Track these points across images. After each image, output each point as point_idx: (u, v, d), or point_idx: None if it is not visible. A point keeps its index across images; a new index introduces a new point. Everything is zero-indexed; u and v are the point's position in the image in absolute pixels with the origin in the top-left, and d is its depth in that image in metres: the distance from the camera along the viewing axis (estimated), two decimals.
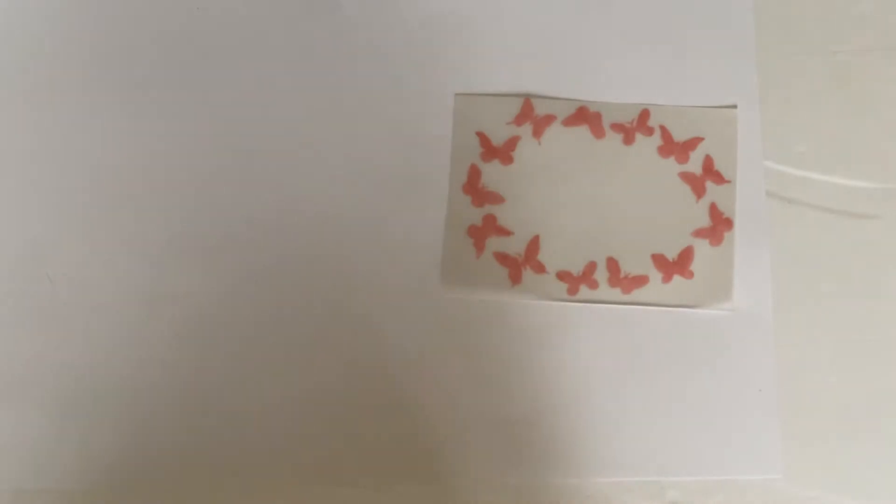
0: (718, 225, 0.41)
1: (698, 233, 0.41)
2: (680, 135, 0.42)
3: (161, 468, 0.40)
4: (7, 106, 0.42)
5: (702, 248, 0.41)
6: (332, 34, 0.43)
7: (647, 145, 0.42)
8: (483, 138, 0.42)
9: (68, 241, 0.41)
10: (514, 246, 0.41)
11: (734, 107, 0.42)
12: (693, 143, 0.42)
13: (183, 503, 0.39)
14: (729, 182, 0.42)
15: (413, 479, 0.40)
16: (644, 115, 0.42)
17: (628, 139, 0.42)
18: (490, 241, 0.41)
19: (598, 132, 0.42)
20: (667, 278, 0.41)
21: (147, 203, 0.42)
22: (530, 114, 0.42)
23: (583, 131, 0.42)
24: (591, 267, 0.41)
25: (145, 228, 0.42)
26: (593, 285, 0.41)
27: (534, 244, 0.41)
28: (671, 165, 0.42)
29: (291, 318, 0.41)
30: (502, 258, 0.41)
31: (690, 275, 0.41)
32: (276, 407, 0.40)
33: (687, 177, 0.41)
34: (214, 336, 0.41)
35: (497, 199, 0.42)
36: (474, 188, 0.42)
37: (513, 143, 0.42)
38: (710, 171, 0.42)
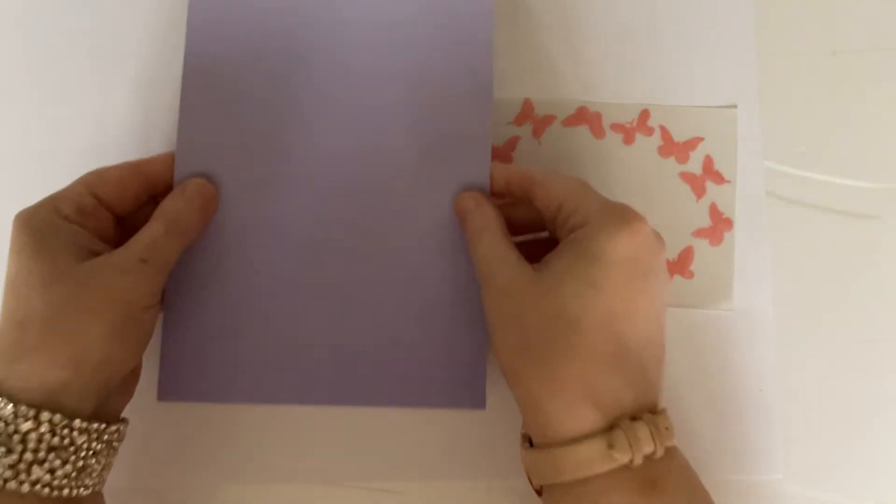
0: (718, 225, 0.41)
1: (698, 233, 0.41)
2: (680, 135, 0.42)
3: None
4: (8, 103, 0.42)
5: (702, 248, 0.41)
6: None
7: (647, 145, 0.42)
8: None
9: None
10: None
11: (734, 107, 0.42)
12: (693, 143, 0.42)
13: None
14: (729, 182, 0.42)
15: (407, 477, 0.40)
16: (644, 115, 0.42)
17: (628, 139, 0.42)
18: None
19: (598, 132, 0.42)
20: None
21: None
22: (530, 114, 0.42)
23: (583, 131, 0.42)
24: None
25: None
26: None
27: None
28: (671, 165, 0.42)
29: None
30: None
31: (690, 275, 0.41)
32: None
33: (687, 177, 0.41)
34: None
35: None
36: None
37: (513, 143, 0.42)
38: (710, 171, 0.42)
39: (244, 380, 0.37)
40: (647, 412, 0.31)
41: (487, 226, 0.36)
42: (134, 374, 0.36)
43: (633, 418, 0.31)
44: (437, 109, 0.38)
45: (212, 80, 0.38)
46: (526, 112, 0.42)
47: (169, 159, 0.38)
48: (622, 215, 0.33)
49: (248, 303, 0.38)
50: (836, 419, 0.40)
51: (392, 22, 0.38)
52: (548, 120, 0.42)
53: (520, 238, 0.38)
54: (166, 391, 0.37)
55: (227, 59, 0.38)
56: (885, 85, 0.42)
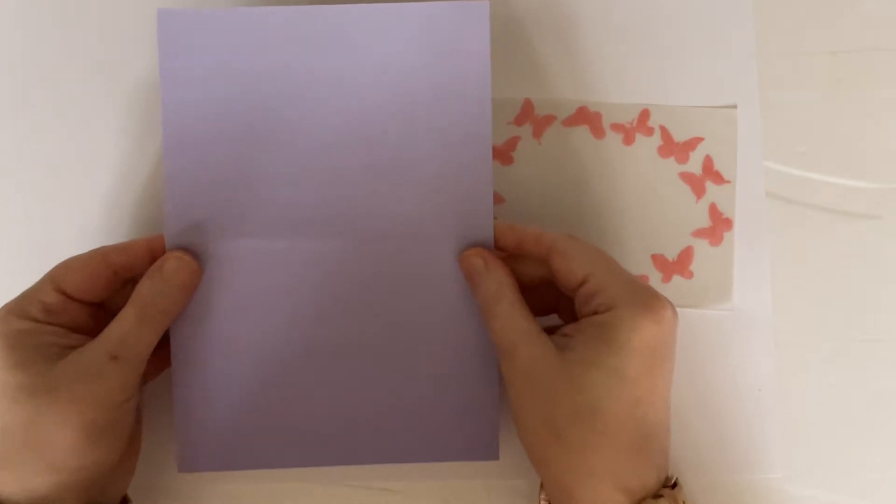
0: (718, 225, 0.41)
1: (698, 233, 0.41)
2: (680, 135, 0.42)
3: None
4: (10, 105, 0.42)
5: (701, 248, 0.41)
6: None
7: (646, 145, 0.42)
8: None
9: (69, 242, 0.41)
10: None
11: (734, 107, 0.42)
12: (693, 143, 0.42)
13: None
14: (729, 182, 0.42)
15: (408, 476, 0.40)
16: (644, 115, 0.42)
17: (628, 139, 0.42)
18: None
19: (598, 132, 0.42)
20: (666, 278, 0.41)
21: (153, 207, 0.42)
22: (530, 114, 0.42)
23: (583, 131, 0.42)
24: None
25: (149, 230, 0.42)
26: None
27: None
28: (671, 165, 0.42)
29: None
30: None
31: (690, 275, 0.41)
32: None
33: (687, 177, 0.42)
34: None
35: (497, 199, 0.42)
36: None
37: (513, 143, 0.42)
38: (710, 172, 0.42)
39: (261, 446, 0.38)
40: (664, 487, 0.33)
41: (502, 293, 0.35)
42: (133, 452, 0.36)
43: (655, 496, 0.32)
44: (436, 164, 0.37)
45: (195, 149, 0.37)
46: (526, 112, 0.42)
47: (139, 247, 0.36)
48: (647, 302, 0.33)
49: (258, 369, 0.37)
50: (836, 419, 0.40)
51: (388, 77, 0.37)
52: (548, 120, 0.42)
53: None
54: (187, 464, 0.38)
55: (209, 126, 0.37)
56: (885, 85, 0.42)
